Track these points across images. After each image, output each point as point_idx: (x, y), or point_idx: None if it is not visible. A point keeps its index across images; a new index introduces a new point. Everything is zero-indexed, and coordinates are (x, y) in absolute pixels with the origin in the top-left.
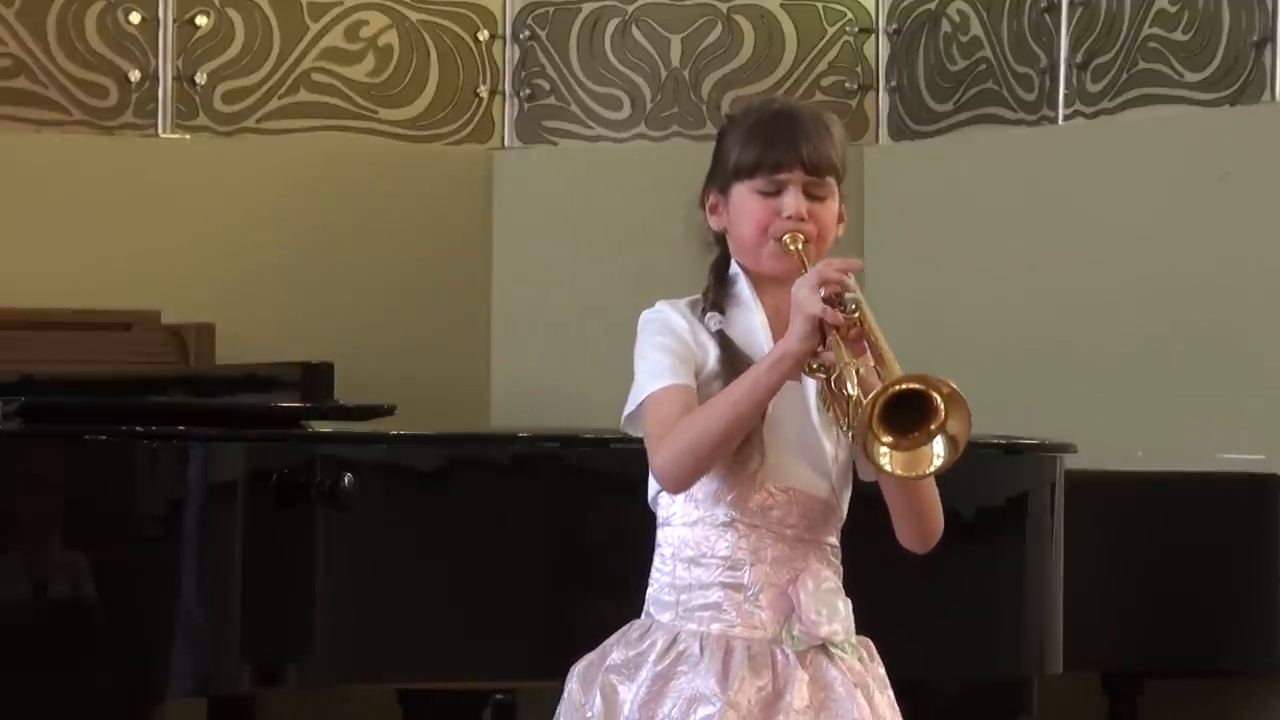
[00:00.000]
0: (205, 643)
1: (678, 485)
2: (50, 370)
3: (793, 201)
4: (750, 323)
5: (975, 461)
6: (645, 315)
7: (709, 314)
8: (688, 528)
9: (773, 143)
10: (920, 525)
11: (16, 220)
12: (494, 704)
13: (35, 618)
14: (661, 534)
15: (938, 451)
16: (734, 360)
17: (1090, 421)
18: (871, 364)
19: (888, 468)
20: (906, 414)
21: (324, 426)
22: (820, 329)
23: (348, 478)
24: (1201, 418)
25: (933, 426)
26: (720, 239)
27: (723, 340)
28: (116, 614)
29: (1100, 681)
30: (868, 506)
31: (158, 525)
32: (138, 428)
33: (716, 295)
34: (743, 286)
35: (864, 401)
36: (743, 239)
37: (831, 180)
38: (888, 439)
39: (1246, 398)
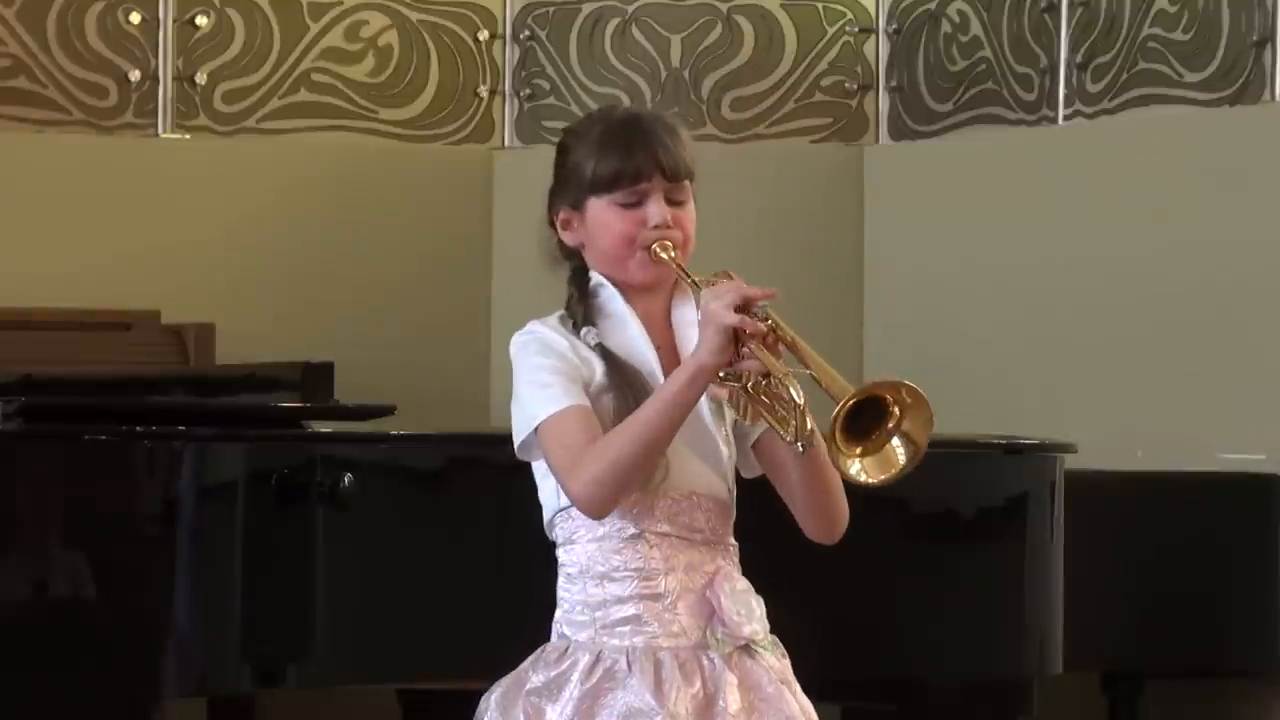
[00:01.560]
0: (205, 642)
1: (601, 510)
2: (50, 370)
3: (658, 210)
4: (628, 333)
5: (975, 461)
6: (519, 338)
7: (584, 329)
8: (594, 544)
9: (628, 154)
10: (829, 523)
11: (16, 220)
12: None
13: (35, 617)
14: (564, 554)
15: (899, 452)
16: (621, 373)
17: (1090, 421)
18: (804, 370)
19: (863, 479)
20: (862, 419)
21: (324, 426)
22: (734, 339)
23: (348, 478)
24: (1201, 418)
25: (890, 425)
26: (572, 253)
27: (604, 353)
28: (116, 614)
29: (1100, 681)
30: (866, 507)
31: (158, 525)
32: (138, 428)
33: (584, 309)
34: (611, 297)
35: (804, 408)
36: (607, 251)
37: (688, 184)
38: (856, 451)
39: (1246, 397)
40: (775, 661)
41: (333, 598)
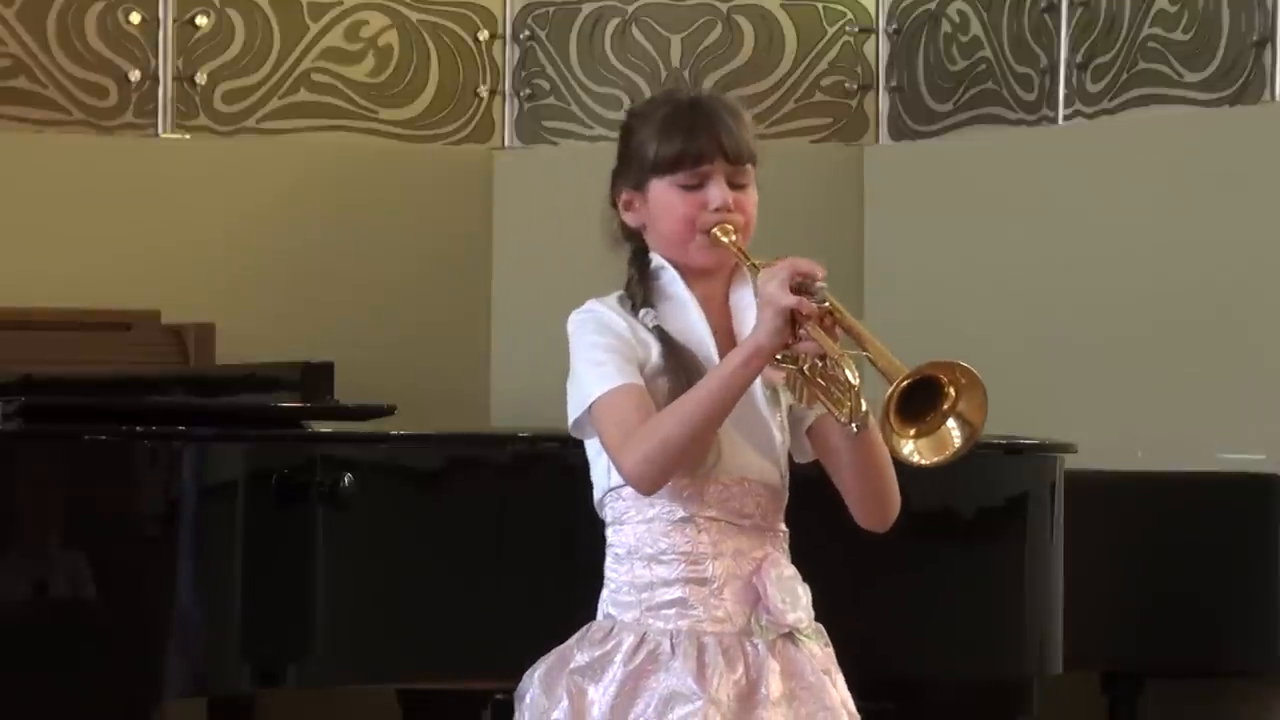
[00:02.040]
0: (205, 642)
1: (651, 486)
2: (50, 370)
3: (719, 193)
4: (687, 316)
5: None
6: (577, 316)
7: (643, 310)
8: (644, 525)
9: (691, 135)
10: (882, 508)
11: (16, 220)
12: (494, 704)
13: (35, 617)
14: (613, 534)
15: (954, 433)
16: (678, 355)
17: (1090, 421)
18: (861, 352)
19: (917, 459)
20: (916, 400)
21: (324, 426)
22: (792, 321)
23: (348, 478)
24: (1201, 418)
25: (945, 407)
26: (633, 234)
27: (662, 335)
28: (116, 614)
29: (1100, 681)
30: None
31: (158, 525)
32: (138, 428)
33: (643, 290)
34: (671, 279)
35: (859, 390)
36: (668, 234)
37: (750, 167)
38: (910, 431)
39: (1246, 397)
40: (818, 650)
41: (333, 598)
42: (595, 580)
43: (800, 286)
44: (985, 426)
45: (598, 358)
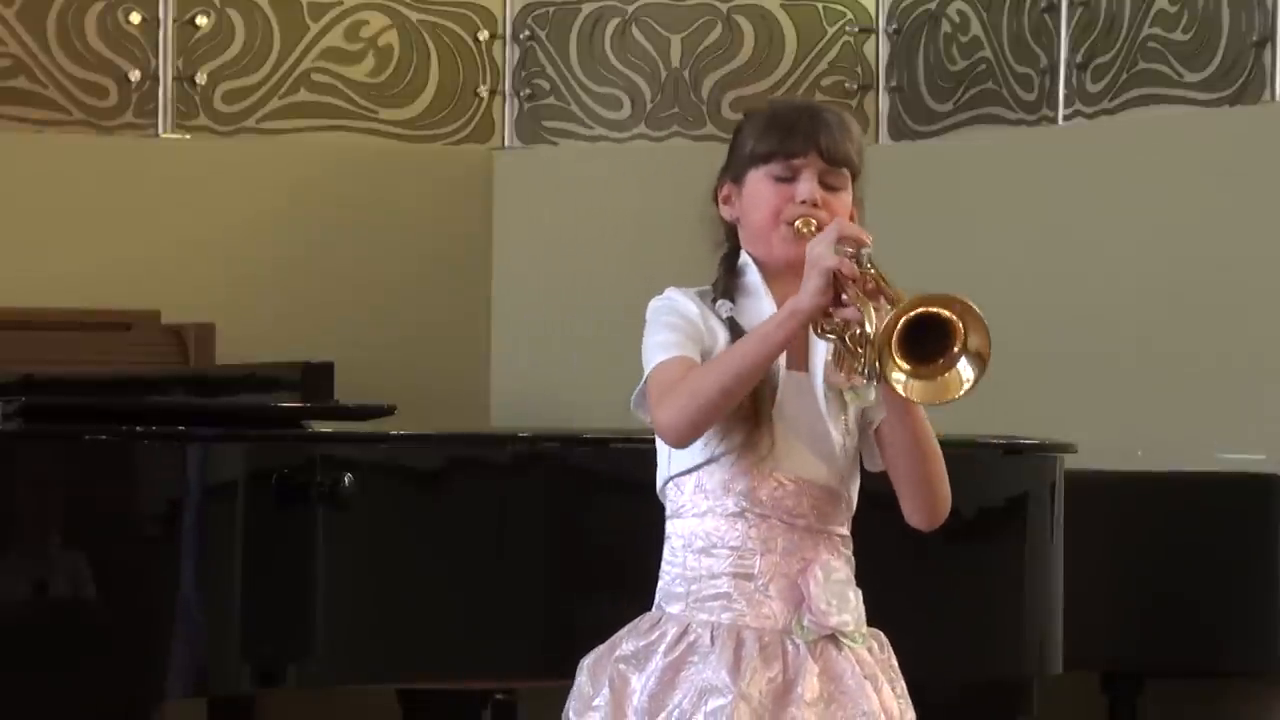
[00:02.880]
0: (205, 642)
1: (679, 438)
2: (50, 370)
3: (807, 186)
4: (760, 311)
5: (975, 461)
6: (654, 301)
7: (719, 301)
8: (698, 518)
9: (791, 131)
10: (930, 497)
11: (16, 220)
12: (494, 704)
13: (35, 617)
14: (671, 526)
15: (966, 375)
16: None
17: (1090, 421)
18: (888, 309)
19: (903, 393)
20: (926, 346)
21: (324, 426)
22: (835, 284)
23: (348, 478)
24: (1201, 418)
25: (955, 349)
26: (731, 234)
27: (733, 326)
28: (116, 614)
29: (1100, 681)
30: (869, 505)
31: (158, 525)
32: (138, 428)
33: (726, 284)
34: (752, 275)
35: (874, 343)
36: (755, 224)
37: (847, 173)
38: (905, 366)
39: (1246, 397)
40: (866, 655)
41: (333, 598)
42: (594, 580)
43: (848, 252)
44: (986, 426)
45: (661, 336)
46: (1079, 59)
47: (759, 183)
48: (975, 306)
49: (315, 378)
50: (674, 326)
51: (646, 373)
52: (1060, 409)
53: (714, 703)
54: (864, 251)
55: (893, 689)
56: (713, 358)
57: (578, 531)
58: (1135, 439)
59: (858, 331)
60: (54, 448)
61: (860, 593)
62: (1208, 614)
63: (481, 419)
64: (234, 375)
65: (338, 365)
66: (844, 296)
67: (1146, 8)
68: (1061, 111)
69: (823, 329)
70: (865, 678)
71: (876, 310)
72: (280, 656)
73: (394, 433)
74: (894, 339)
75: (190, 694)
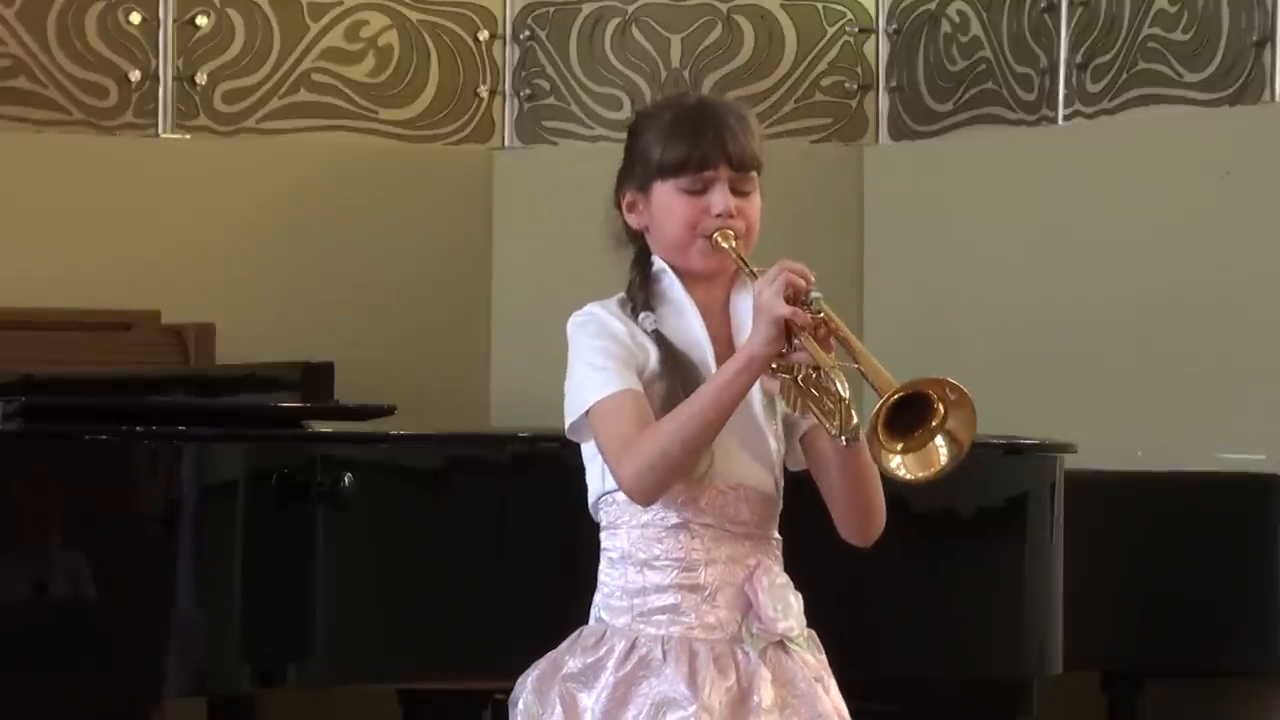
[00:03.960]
0: (205, 642)
1: (648, 497)
2: (50, 370)
3: (721, 199)
4: (685, 320)
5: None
6: (577, 319)
7: (642, 314)
8: (637, 530)
9: (696, 140)
10: (868, 518)
11: (16, 220)
12: (494, 704)
13: (35, 617)
14: (607, 538)
15: (942, 450)
16: (675, 360)
17: (1090, 421)
18: (853, 364)
19: (903, 474)
20: (905, 415)
21: (324, 426)
22: (786, 330)
23: (348, 478)
24: (1201, 418)
25: (934, 424)
26: (636, 236)
27: (660, 340)
28: (116, 613)
29: (1100, 681)
30: None
31: (158, 525)
32: (138, 428)
33: (644, 293)
34: (671, 284)
35: (849, 402)
36: (669, 237)
37: (754, 174)
38: (898, 446)
39: (1246, 397)
40: (810, 658)
41: (333, 598)
42: (594, 581)
43: (795, 296)
44: (985, 426)
45: (597, 362)
46: (1079, 59)
47: (669, 195)
48: (961, 387)
49: (315, 378)
50: (606, 351)
51: (586, 403)
52: (1060, 409)
53: (674, 715)
54: (813, 295)
55: (834, 686)
56: (654, 389)
57: (577, 531)
58: (1135, 439)
59: (811, 374)
60: (54, 448)
61: (800, 596)
62: (1207, 614)
63: (481, 419)
64: (234, 375)
65: (338, 365)
66: (795, 341)
67: (1146, 8)
68: (1061, 111)
69: (773, 368)
70: (815, 680)
71: (830, 362)
72: (280, 656)
73: (394, 433)
74: (881, 428)
75: (190, 694)
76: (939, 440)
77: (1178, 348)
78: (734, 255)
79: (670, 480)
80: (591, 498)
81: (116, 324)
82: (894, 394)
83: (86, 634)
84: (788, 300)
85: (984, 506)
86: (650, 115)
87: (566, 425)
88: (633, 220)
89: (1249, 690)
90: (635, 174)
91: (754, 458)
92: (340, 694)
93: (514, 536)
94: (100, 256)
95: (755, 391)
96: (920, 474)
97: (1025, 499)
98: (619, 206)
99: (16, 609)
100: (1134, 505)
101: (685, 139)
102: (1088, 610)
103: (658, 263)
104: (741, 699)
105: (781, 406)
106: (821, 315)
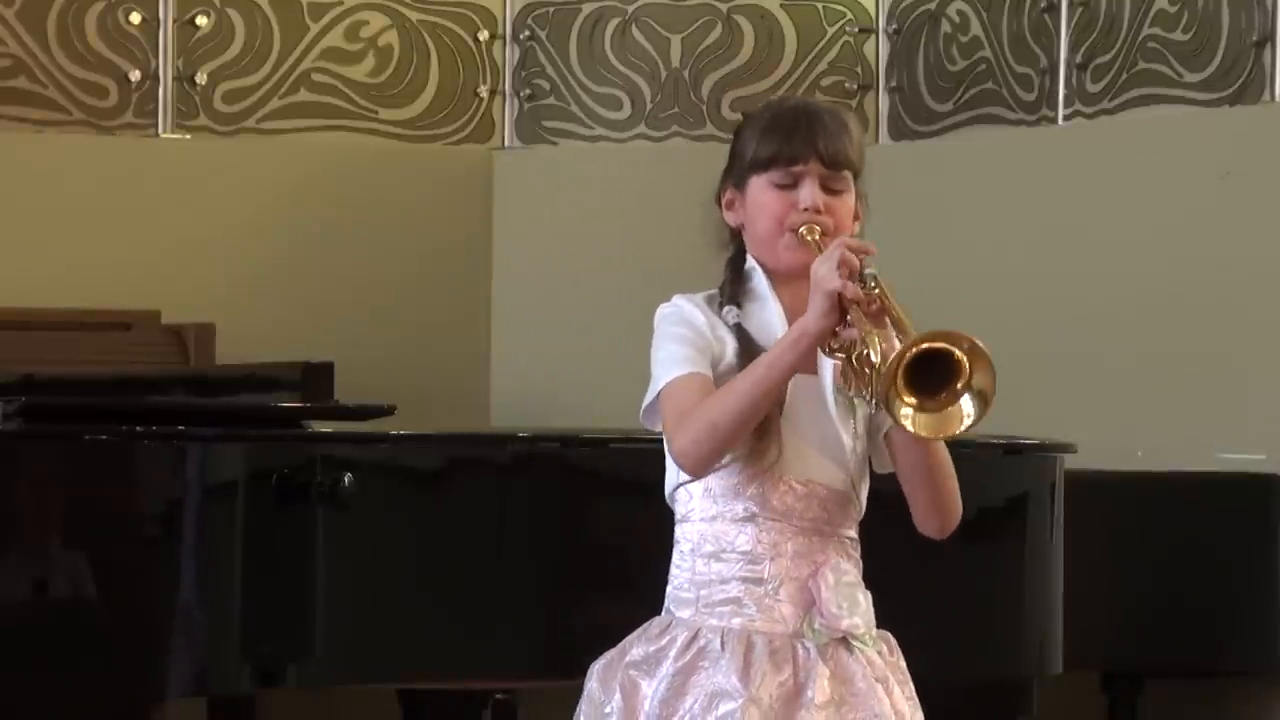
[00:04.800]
0: (205, 642)
1: (697, 467)
2: (50, 370)
3: (809, 193)
4: (767, 317)
5: (975, 461)
6: (662, 309)
7: (726, 308)
8: (706, 523)
9: (790, 136)
10: (942, 510)
11: (16, 220)
12: (494, 704)
13: (35, 617)
14: (680, 530)
15: (967, 411)
16: (752, 353)
17: (1090, 421)
18: (894, 335)
19: (910, 427)
20: (932, 377)
21: (324, 426)
22: (840, 305)
23: (348, 478)
24: (1201, 418)
25: (959, 385)
26: (735, 236)
27: (740, 333)
28: (116, 613)
29: (1100, 681)
30: (871, 505)
31: (158, 525)
32: (138, 428)
33: (733, 290)
34: (759, 281)
35: (880, 371)
36: (759, 232)
37: (848, 175)
38: (911, 400)
39: (1247, 397)
40: (876, 657)
41: (333, 598)
42: (595, 580)
43: (851, 273)
44: (985, 426)
45: (672, 348)
46: (1079, 59)
47: (761, 190)
48: (983, 345)
49: (315, 378)
50: (683, 339)
51: (658, 386)
52: (1060, 409)
53: (724, 707)
54: (867, 272)
55: (902, 691)
56: (727, 380)
57: (577, 531)
58: (1135, 439)
59: (863, 352)
60: (54, 448)
61: (869, 595)
62: (1207, 614)
63: (481, 419)
64: (234, 375)
65: (338, 365)
66: (849, 317)
67: (1146, 8)
68: (1061, 111)
69: (830, 347)
70: (876, 680)
71: (881, 334)
72: (280, 656)
73: (394, 433)
74: (900, 373)
75: (190, 694)
76: (966, 399)
77: (1178, 348)
78: (816, 250)
79: (720, 452)
80: (668, 488)
81: (116, 324)
82: (917, 341)
83: (87, 634)
84: (846, 276)
85: (984, 506)
86: (753, 115)
87: (642, 409)
88: (729, 218)
89: (1249, 690)
90: (734, 171)
91: (826, 455)
92: (340, 694)
93: (514, 536)
94: (100, 256)
95: (829, 388)
96: (935, 434)
97: (1025, 499)
98: (719, 204)
99: (17, 609)
100: (1134, 505)
101: (780, 134)
102: (1088, 610)
103: (750, 261)
104: (795, 693)
105: (863, 407)
106: (876, 290)
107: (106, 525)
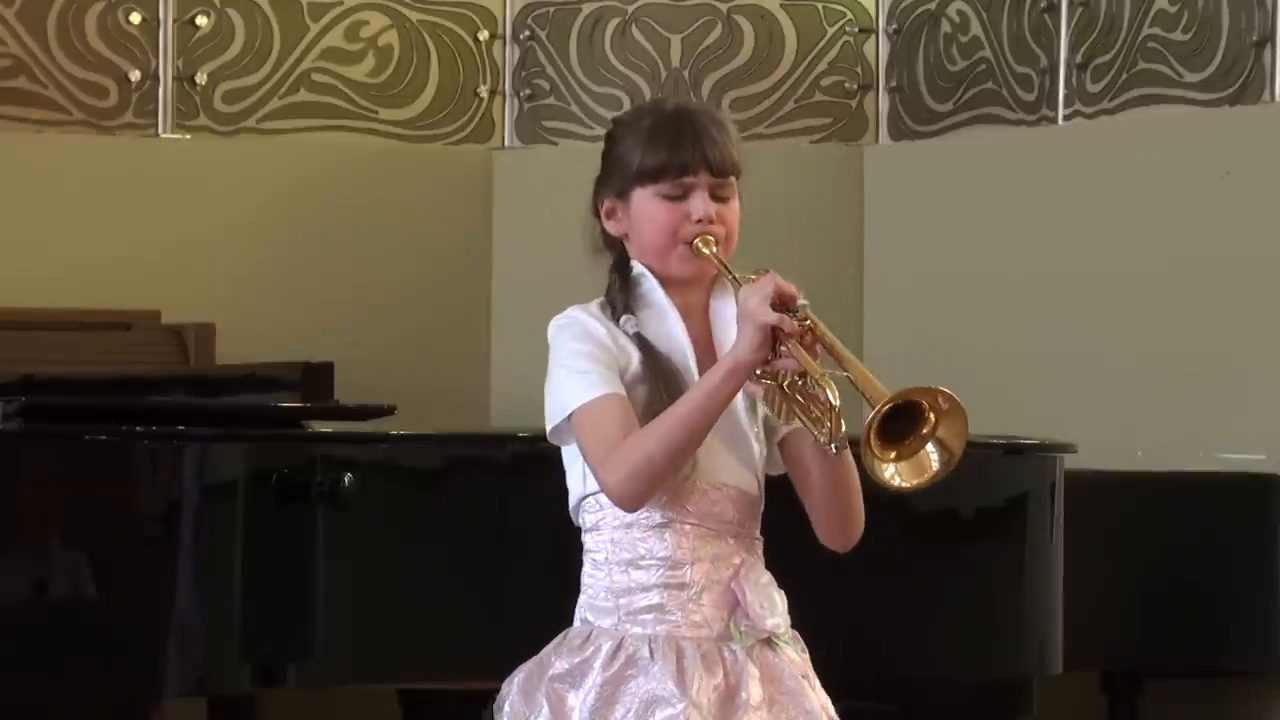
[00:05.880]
0: (205, 642)
1: (634, 504)
2: (50, 370)
3: (701, 205)
4: (666, 324)
5: (975, 461)
6: (558, 321)
7: (624, 317)
8: (621, 530)
9: (676, 146)
10: (847, 524)
11: (16, 220)
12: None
13: (35, 617)
14: (590, 539)
15: (933, 457)
16: (657, 363)
17: (1090, 421)
18: (841, 372)
19: (897, 483)
20: (896, 423)
21: (324, 426)
22: (772, 338)
23: (348, 478)
24: (1201, 418)
25: (925, 431)
26: (614, 242)
27: (642, 343)
28: (116, 614)
29: (1100, 681)
30: (870, 507)
31: (158, 525)
32: (138, 428)
33: (624, 297)
34: (652, 288)
35: (838, 411)
36: (649, 243)
37: (734, 180)
38: (890, 455)
39: (1247, 397)
40: (795, 656)
41: (333, 598)
42: None
43: (782, 304)
44: (986, 426)
45: (579, 366)
46: (1079, 59)
47: (648, 202)
48: (953, 396)
49: (315, 378)
50: (590, 356)
51: (569, 407)
52: (1060, 409)
53: (663, 713)
54: (800, 303)
55: (814, 686)
56: (634, 391)
57: (577, 532)
58: (1135, 439)
59: (797, 381)
60: (54, 448)
61: (784, 594)
62: (1208, 614)
63: (481, 419)
64: (234, 375)
65: (338, 365)
66: (782, 349)
67: (1146, 8)
68: (1061, 111)
69: (759, 375)
70: (801, 676)
71: (823, 374)
72: (280, 656)
73: (394, 433)
74: (874, 438)
75: (190, 694)
76: (930, 447)
77: (1178, 348)
78: (715, 260)
79: (656, 486)
80: (573, 500)
81: (116, 324)
82: (886, 404)
83: (86, 634)
84: (774, 308)
85: (984, 506)
86: (628, 122)
87: (548, 428)
88: (611, 227)
89: (1249, 690)
90: (614, 181)
91: (737, 458)
92: (340, 694)
93: (514, 536)
94: (100, 256)
95: (740, 396)
96: (913, 481)
97: (1025, 499)
98: (597, 214)
99: (16, 609)
100: (1134, 505)
101: (665, 145)
102: (1087, 610)
103: (637, 267)
104: (729, 696)
105: (762, 409)
106: (808, 323)
107: (106, 525)
